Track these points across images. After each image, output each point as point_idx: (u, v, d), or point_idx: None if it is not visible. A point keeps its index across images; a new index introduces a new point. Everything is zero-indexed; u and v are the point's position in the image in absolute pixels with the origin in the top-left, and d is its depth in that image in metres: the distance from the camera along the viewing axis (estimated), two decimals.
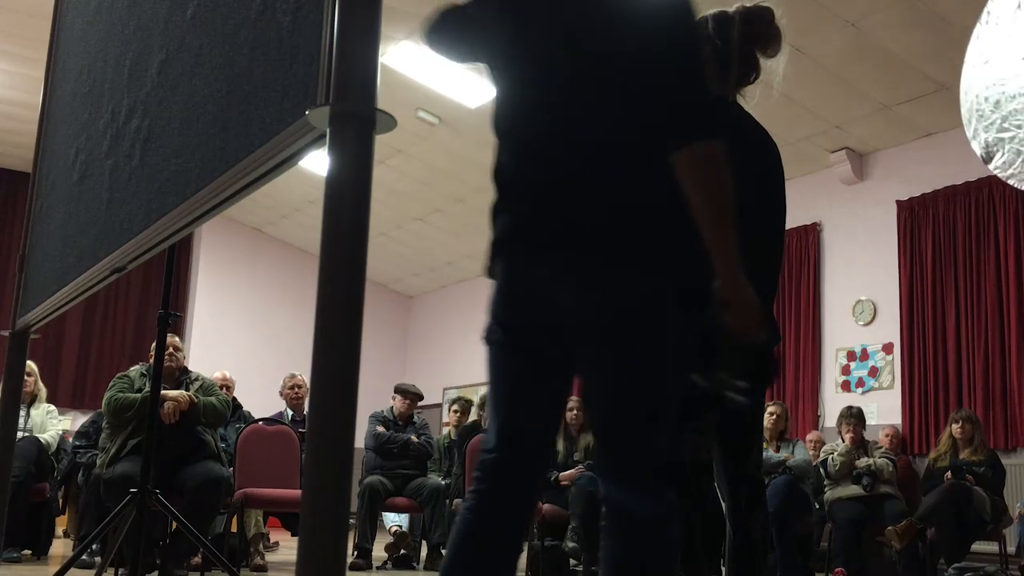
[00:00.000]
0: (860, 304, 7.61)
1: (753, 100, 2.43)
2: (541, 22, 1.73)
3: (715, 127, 1.64)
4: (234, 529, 5.12)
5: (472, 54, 1.94)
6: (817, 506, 6.00)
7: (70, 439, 6.18)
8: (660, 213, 1.66)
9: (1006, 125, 4.14)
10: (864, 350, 7.51)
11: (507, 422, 1.74)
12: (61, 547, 6.35)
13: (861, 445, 6.06)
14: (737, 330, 1.67)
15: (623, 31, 1.67)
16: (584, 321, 1.65)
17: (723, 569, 2.47)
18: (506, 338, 1.75)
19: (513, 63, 1.78)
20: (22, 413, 5.42)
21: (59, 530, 6.52)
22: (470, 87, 7.67)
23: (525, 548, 5.85)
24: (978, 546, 5.65)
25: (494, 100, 1.85)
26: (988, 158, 4.27)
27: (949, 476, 5.57)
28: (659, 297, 1.64)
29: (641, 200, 1.66)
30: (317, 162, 8.07)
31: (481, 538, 1.70)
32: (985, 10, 4.30)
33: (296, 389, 6.21)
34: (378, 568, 5.79)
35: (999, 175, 4.33)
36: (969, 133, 4.33)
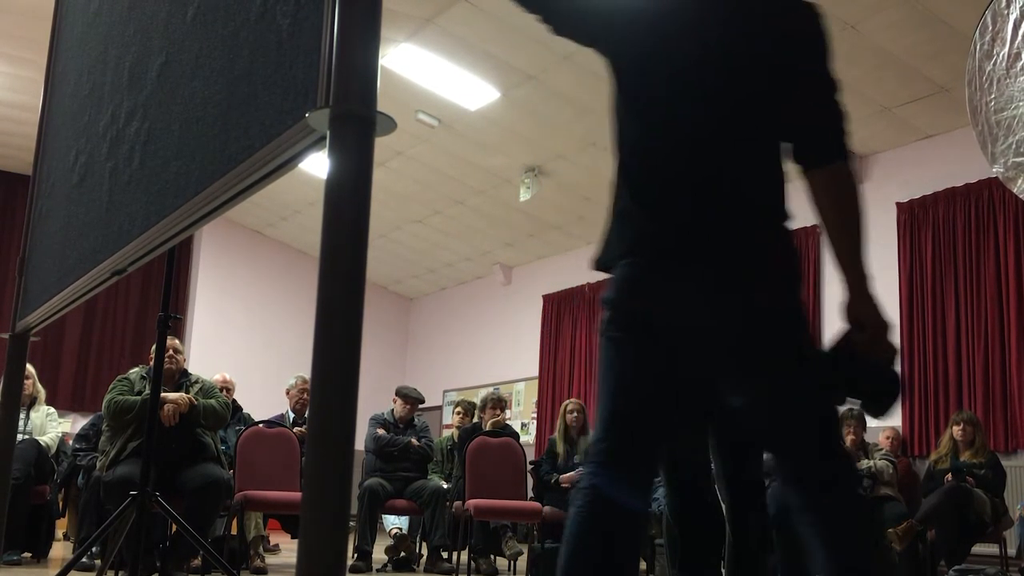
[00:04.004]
0: None
1: None
2: (690, 32, 1.71)
3: (849, 148, 1.67)
4: (234, 531, 5.11)
5: (588, 38, 1.84)
6: None
7: (70, 441, 6.18)
8: (791, 227, 1.69)
9: (1022, 150, 4.15)
10: None
11: (619, 410, 1.71)
12: (61, 549, 6.35)
13: (861, 447, 6.06)
14: (867, 347, 1.67)
15: (783, 49, 1.68)
16: (742, 334, 1.65)
17: (723, 571, 2.47)
18: (631, 333, 1.72)
19: (656, 72, 1.74)
20: (21, 415, 5.42)
21: (59, 532, 6.52)
22: (470, 89, 7.68)
23: (525, 550, 5.85)
24: (978, 548, 5.65)
25: (626, 104, 1.78)
26: (1009, 181, 4.29)
27: (949, 478, 5.57)
28: (802, 307, 1.68)
29: (783, 216, 1.68)
30: (317, 164, 8.08)
31: (599, 529, 1.67)
32: (983, 25, 4.29)
33: (306, 393, 6.20)
34: (378, 570, 5.78)
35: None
36: (987, 158, 4.35)
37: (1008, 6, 4.17)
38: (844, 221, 1.67)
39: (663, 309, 1.67)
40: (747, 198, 1.67)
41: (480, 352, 11.63)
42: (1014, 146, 4.19)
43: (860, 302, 1.67)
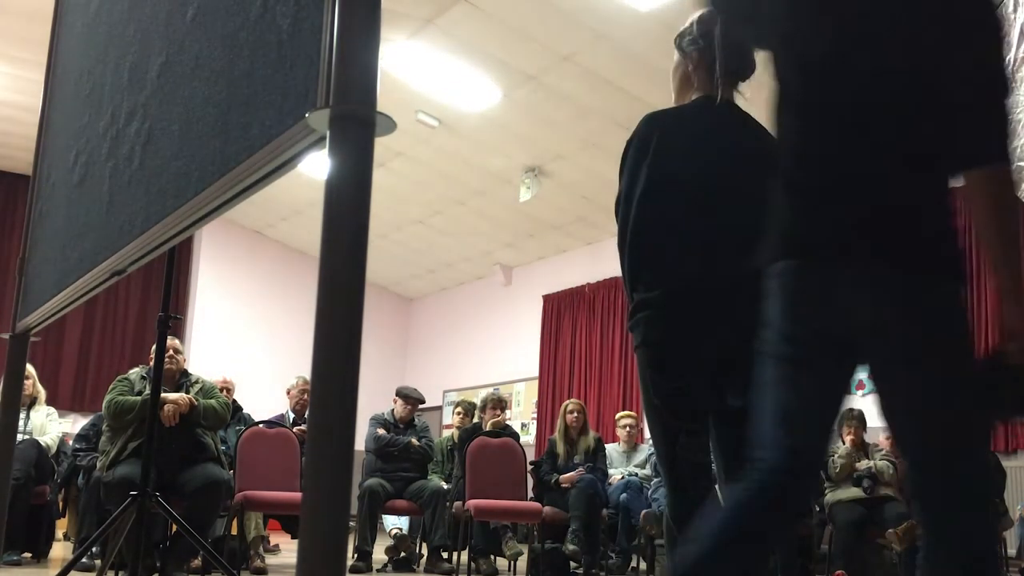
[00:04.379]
0: None
1: (752, 99, 2.43)
2: (867, 36, 1.68)
3: (1011, 151, 1.65)
4: (234, 532, 5.12)
5: (760, 39, 1.82)
6: (817, 508, 6.00)
7: (70, 441, 6.18)
8: (956, 227, 1.65)
9: None
10: None
11: (792, 434, 1.65)
12: (61, 550, 6.35)
13: (862, 447, 6.06)
14: (1020, 359, 1.62)
15: (955, 43, 1.65)
16: (907, 336, 1.59)
17: None
18: (796, 351, 1.66)
19: (840, 67, 1.70)
20: (22, 415, 5.42)
21: (59, 533, 6.52)
22: (470, 89, 7.68)
23: (525, 551, 5.85)
24: None
25: (803, 108, 1.74)
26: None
27: None
28: (967, 311, 1.65)
29: (950, 214, 1.65)
30: (316, 166, 8.08)
31: (752, 530, 1.64)
32: None
33: (307, 393, 6.20)
34: (378, 571, 5.78)
35: None
36: None
37: (1015, 10, 4.17)
38: (1001, 225, 1.61)
39: (845, 319, 1.61)
40: (920, 198, 1.63)
41: (480, 352, 11.62)
42: (1018, 150, 4.19)
43: (1015, 310, 1.61)
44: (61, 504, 6.10)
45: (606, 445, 6.59)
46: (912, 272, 1.60)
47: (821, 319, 1.64)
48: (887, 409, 1.66)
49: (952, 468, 1.60)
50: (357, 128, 0.80)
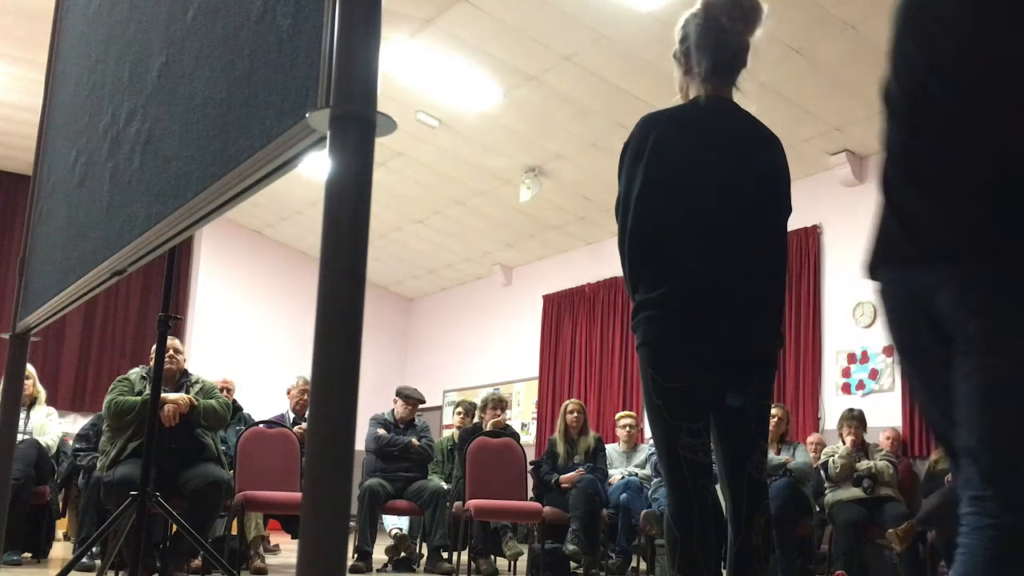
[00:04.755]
0: (860, 306, 7.61)
1: (748, 94, 2.43)
2: (968, 42, 1.64)
3: None
4: (234, 532, 5.12)
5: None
6: (817, 508, 6.00)
7: (70, 441, 6.19)
8: None
9: None
10: (864, 352, 7.51)
11: (935, 428, 1.67)
12: (61, 550, 6.35)
13: (862, 447, 6.06)
14: None
15: None
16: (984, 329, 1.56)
17: (723, 571, 2.47)
18: (913, 363, 1.67)
19: (946, 88, 1.68)
20: (22, 416, 5.42)
21: (59, 533, 6.52)
22: (470, 89, 7.68)
23: (525, 551, 5.85)
24: None
25: (903, 113, 1.72)
26: None
27: (950, 478, 5.57)
28: None
29: None
30: (316, 167, 8.08)
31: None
32: None
33: (307, 393, 6.20)
34: (378, 571, 5.78)
35: None
36: None
37: None
38: None
39: (946, 325, 1.59)
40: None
41: (480, 352, 11.62)
42: None
43: None
44: (61, 504, 6.10)
45: (606, 445, 6.59)
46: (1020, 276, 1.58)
47: (925, 330, 1.62)
48: (965, 404, 1.61)
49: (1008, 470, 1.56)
50: (357, 128, 0.80)
